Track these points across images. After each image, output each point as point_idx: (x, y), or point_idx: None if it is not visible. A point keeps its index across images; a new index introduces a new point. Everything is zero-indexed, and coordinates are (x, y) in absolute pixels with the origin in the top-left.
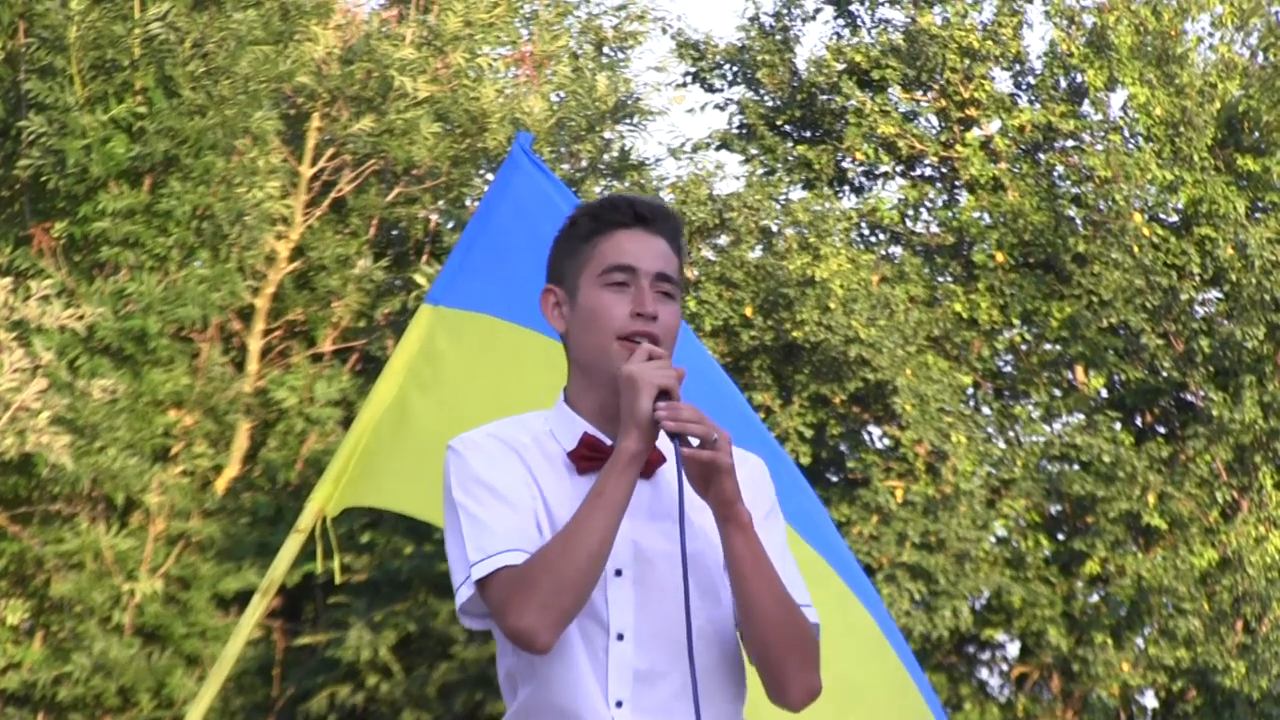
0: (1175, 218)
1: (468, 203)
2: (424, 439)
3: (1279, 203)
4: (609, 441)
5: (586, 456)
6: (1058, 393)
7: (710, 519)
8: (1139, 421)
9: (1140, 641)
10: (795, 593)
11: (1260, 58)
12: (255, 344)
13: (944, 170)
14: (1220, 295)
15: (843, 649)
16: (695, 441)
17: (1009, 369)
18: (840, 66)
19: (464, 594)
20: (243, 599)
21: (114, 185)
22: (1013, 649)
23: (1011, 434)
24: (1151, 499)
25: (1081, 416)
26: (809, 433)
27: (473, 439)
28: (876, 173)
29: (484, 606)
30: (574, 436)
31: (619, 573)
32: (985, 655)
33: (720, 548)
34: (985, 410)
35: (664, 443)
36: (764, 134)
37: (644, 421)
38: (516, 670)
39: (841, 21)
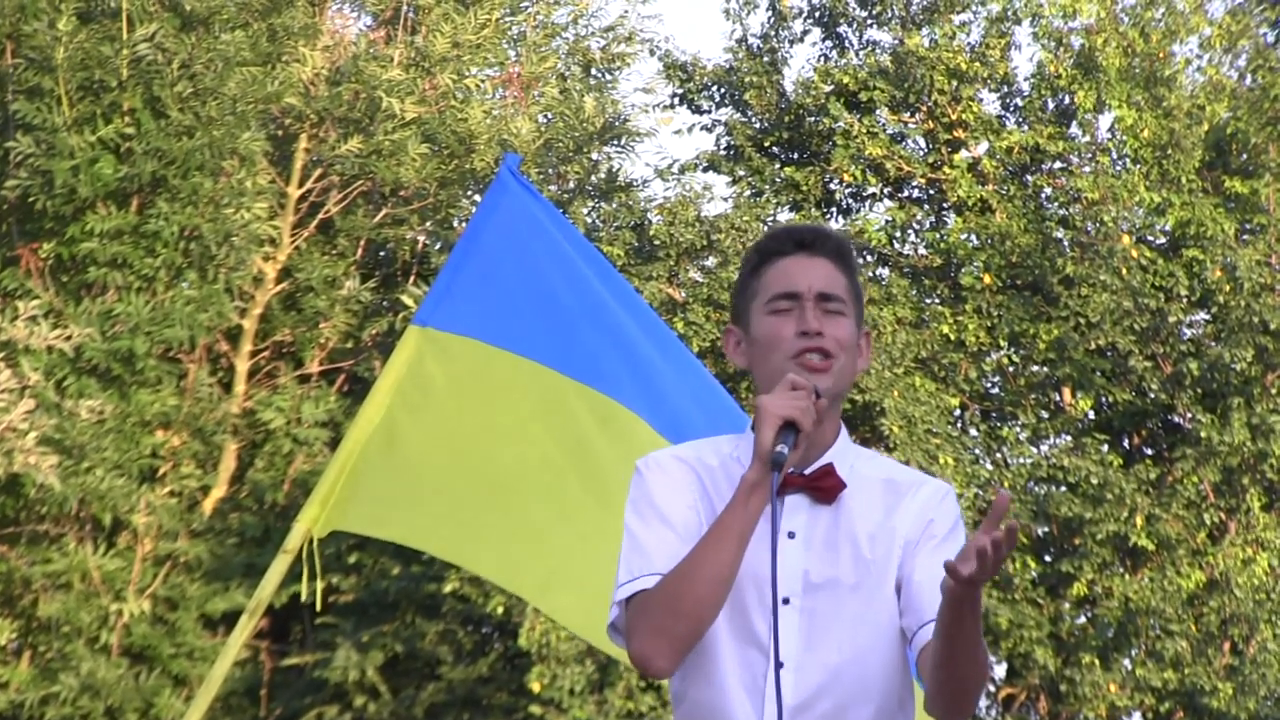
0: (1163, 240)
1: (455, 224)
2: (412, 464)
3: (1267, 225)
4: (791, 469)
5: None
6: (1045, 414)
7: (885, 546)
8: (1127, 443)
9: (1128, 663)
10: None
11: (1248, 80)
12: (242, 365)
13: (932, 192)
14: (1208, 317)
15: None
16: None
17: (996, 391)
18: (828, 88)
19: (612, 613)
20: (230, 619)
21: (102, 206)
22: (1000, 670)
23: (999, 455)
24: (1139, 521)
25: (1069, 438)
26: None
27: (657, 459)
28: (864, 194)
29: None
30: None
31: (786, 601)
32: None
33: (889, 575)
34: (973, 432)
35: (851, 472)
36: (751, 155)
37: (765, 452)
38: (675, 692)
39: (829, 43)
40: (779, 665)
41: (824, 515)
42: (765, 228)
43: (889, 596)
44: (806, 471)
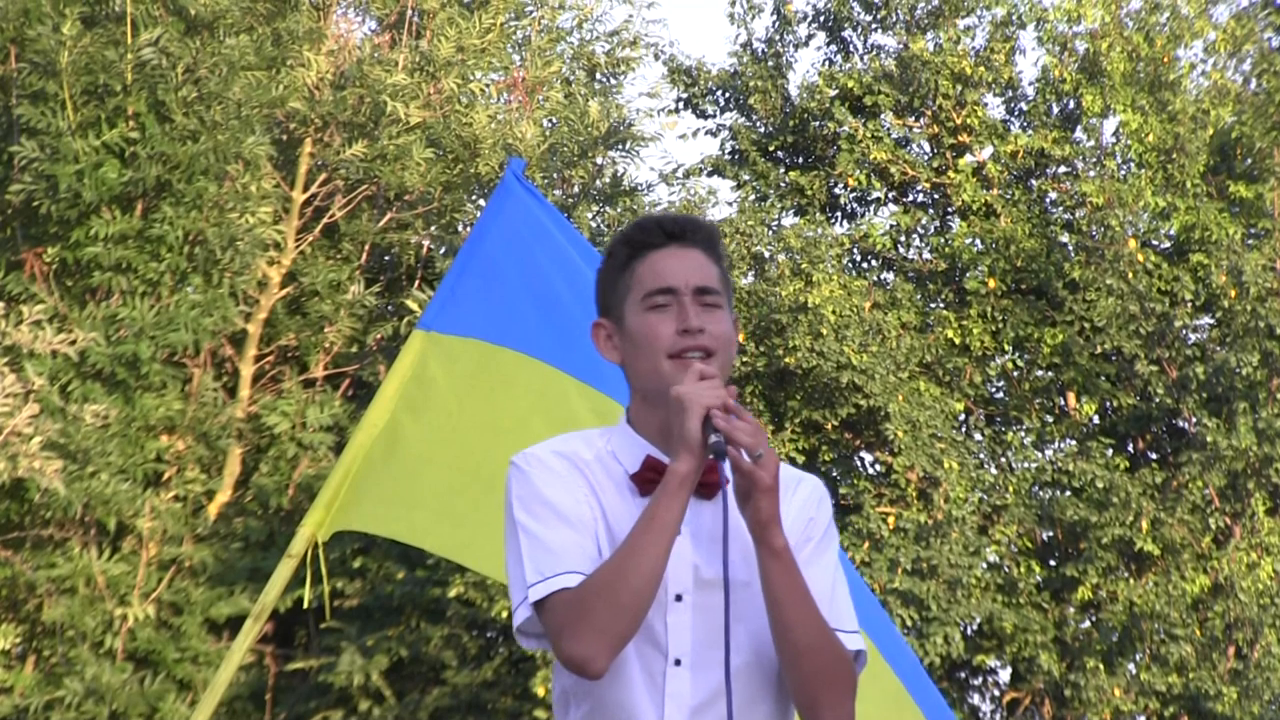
0: (1168, 244)
1: (460, 228)
2: (416, 464)
3: (1272, 229)
4: (670, 461)
5: (649, 479)
6: (1050, 419)
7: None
8: (1131, 448)
9: (1132, 667)
10: (840, 619)
11: (1253, 84)
12: (247, 369)
13: (936, 196)
14: (1214, 322)
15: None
16: (744, 455)
17: (1001, 395)
18: (833, 92)
19: (521, 615)
20: (235, 624)
21: (106, 210)
22: (1005, 675)
23: (1003, 460)
24: (1144, 525)
25: (1074, 443)
26: (801, 459)
27: (537, 455)
28: (869, 199)
29: (540, 627)
30: (636, 458)
31: (679, 598)
32: (977, 681)
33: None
34: (977, 436)
35: (729, 469)
36: (756, 160)
37: (694, 443)
38: (572, 690)
39: (834, 48)
40: (678, 663)
41: (706, 511)
42: (770, 232)
43: None
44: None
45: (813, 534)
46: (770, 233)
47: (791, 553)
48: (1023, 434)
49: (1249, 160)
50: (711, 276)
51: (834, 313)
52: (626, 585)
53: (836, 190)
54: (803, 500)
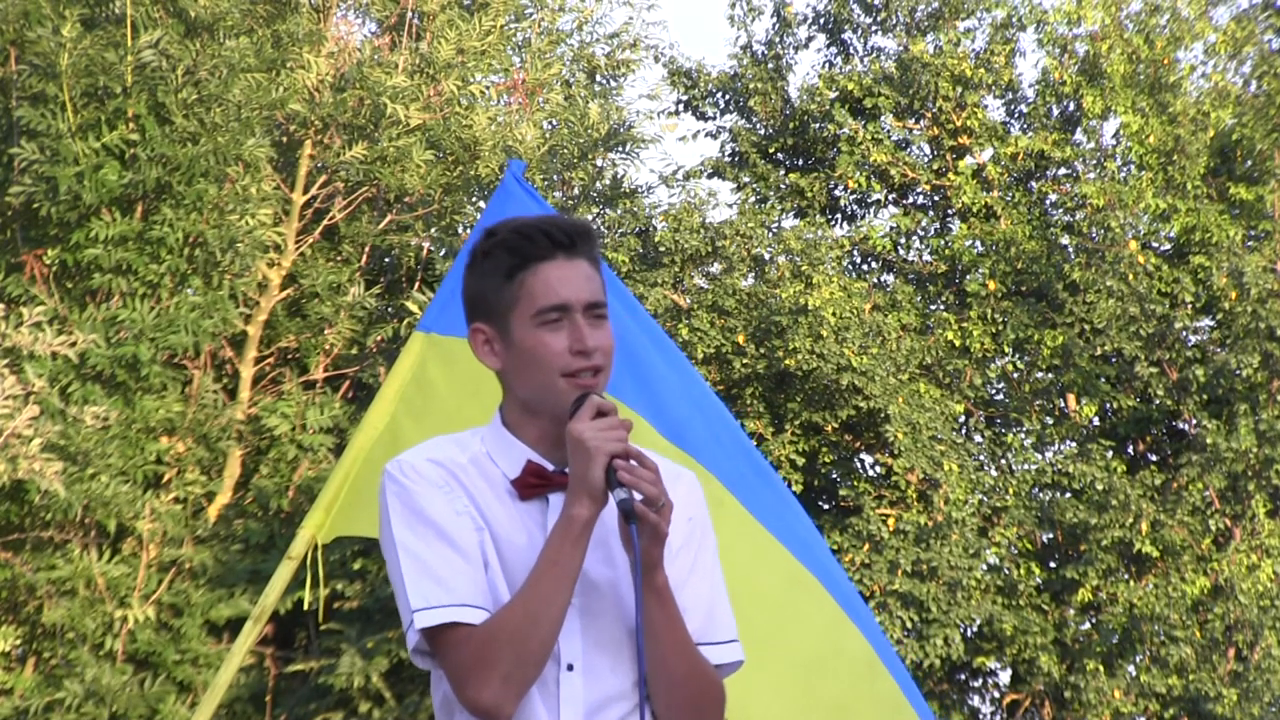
0: (1169, 246)
1: (460, 230)
2: None
3: (1273, 231)
4: (551, 467)
5: (531, 484)
6: (1050, 421)
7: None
8: (1131, 450)
9: (1132, 669)
10: (718, 629)
11: (1253, 86)
12: (247, 371)
13: (936, 198)
14: (1214, 324)
15: (834, 671)
16: (639, 496)
17: (1001, 397)
18: (832, 95)
19: (411, 638)
20: (235, 626)
21: (106, 212)
22: (1005, 677)
23: (1003, 462)
24: (1144, 527)
25: (1074, 445)
26: (801, 461)
27: (413, 464)
28: (869, 201)
29: (430, 648)
30: (515, 462)
31: (638, 608)
32: (977, 683)
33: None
34: (977, 438)
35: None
36: (756, 162)
37: (596, 490)
38: (455, 698)
39: (834, 50)
40: (570, 668)
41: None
42: (770, 234)
43: None
44: (569, 469)
45: (693, 536)
46: (770, 235)
47: (670, 590)
48: (1023, 436)
49: (1249, 162)
50: (599, 287)
51: (834, 315)
52: (535, 634)
53: (836, 192)
54: (683, 499)
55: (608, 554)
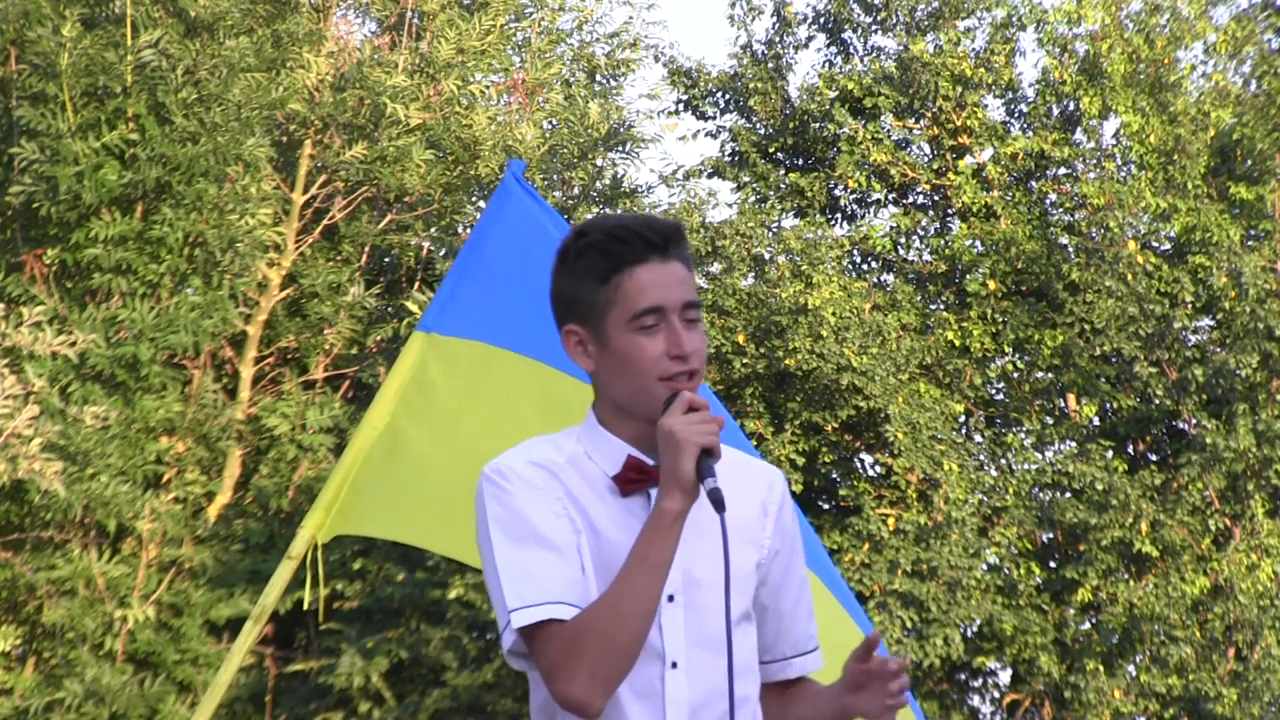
0: (1168, 246)
1: (460, 230)
2: (416, 466)
3: (1272, 230)
4: (652, 462)
5: (632, 479)
6: (1050, 421)
7: (748, 543)
8: (1131, 449)
9: (1132, 669)
10: (808, 638)
11: (1253, 86)
12: (247, 371)
13: (936, 198)
14: (1213, 323)
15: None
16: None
17: (1001, 397)
18: (833, 94)
19: (507, 639)
20: (235, 626)
21: (106, 212)
22: (1004, 676)
23: (1003, 462)
24: (1144, 527)
25: (1074, 444)
26: (801, 460)
27: (511, 466)
28: (869, 200)
29: (527, 649)
30: (615, 459)
31: (671, 598)
32: (977, 683)
33: (753, 576)
34: (977, 438)
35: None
36: (756, 161)
37: (686, 483)
38: (554, 700)
39: (834, 49)
40: (675, 665)
41: (695, 508)
42: (770, 234)
43: (753, 592)
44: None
45: (794, 536)
46: (770, 234)
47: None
48: (1023, 436)
49: (1249, 162)
50: (692, 288)
51: (834, 314)
52: (623, 628)
53: (836, 192)
54: (779, 499)
55: (707, 550)
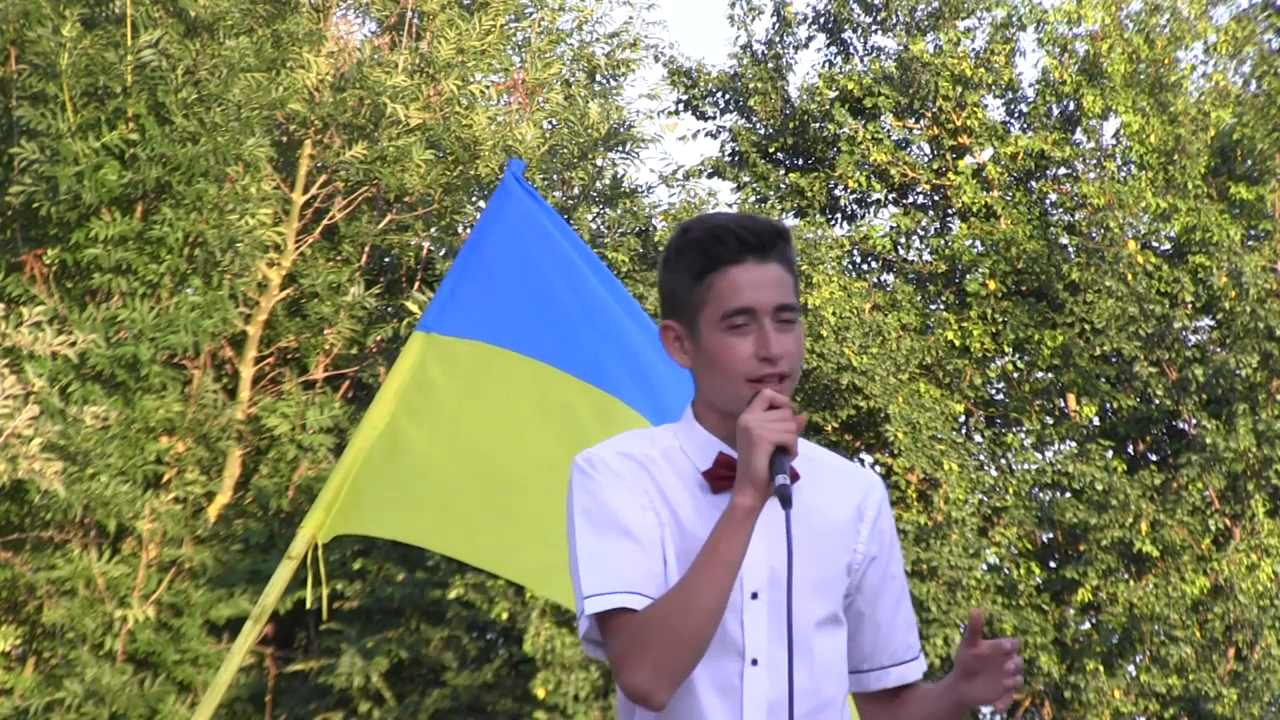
0: (1168, 246)
1: (460, 230)
2: (416, 466)
3: (1273, 230)
4: None
5: (722, 476)
6: (1050, 421)
7: (837, 546)
8: (1131, 449)
9: (1132, 669)
10: (908, 647)
11: (1254, 86)
12: (247, 371)
13: (936, 198)
14: (1214, 323)
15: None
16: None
17: (1001, 397)
18: (833, 94)
19: (582, 625)
20: (235, 626)
21: (106, 212)
22: None
23: (1003, 462)
24: (1144, 527)
25: (1074, 444)
26: None
27: (602, 457)
28: (869, 200)
29: (602, 636)
30: (708, 455)
31: (755, 596)
32: None
33: (845, 575)
34: (977, 438)
35: (799, 462)
36: (756, 161)
37: (759, 479)
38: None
39: (834, 49)
40: (755, 663)
41: (776, 508)
42: None
43: (841, 596)
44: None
45: (890, 544)
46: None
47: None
48: (1023, 436)
49: (1250, 162)
50: (789, 290)
51: (834, 314)
52: (688, 622)
53: (836, 192)
54: (876, 505)
55: (804, 549)
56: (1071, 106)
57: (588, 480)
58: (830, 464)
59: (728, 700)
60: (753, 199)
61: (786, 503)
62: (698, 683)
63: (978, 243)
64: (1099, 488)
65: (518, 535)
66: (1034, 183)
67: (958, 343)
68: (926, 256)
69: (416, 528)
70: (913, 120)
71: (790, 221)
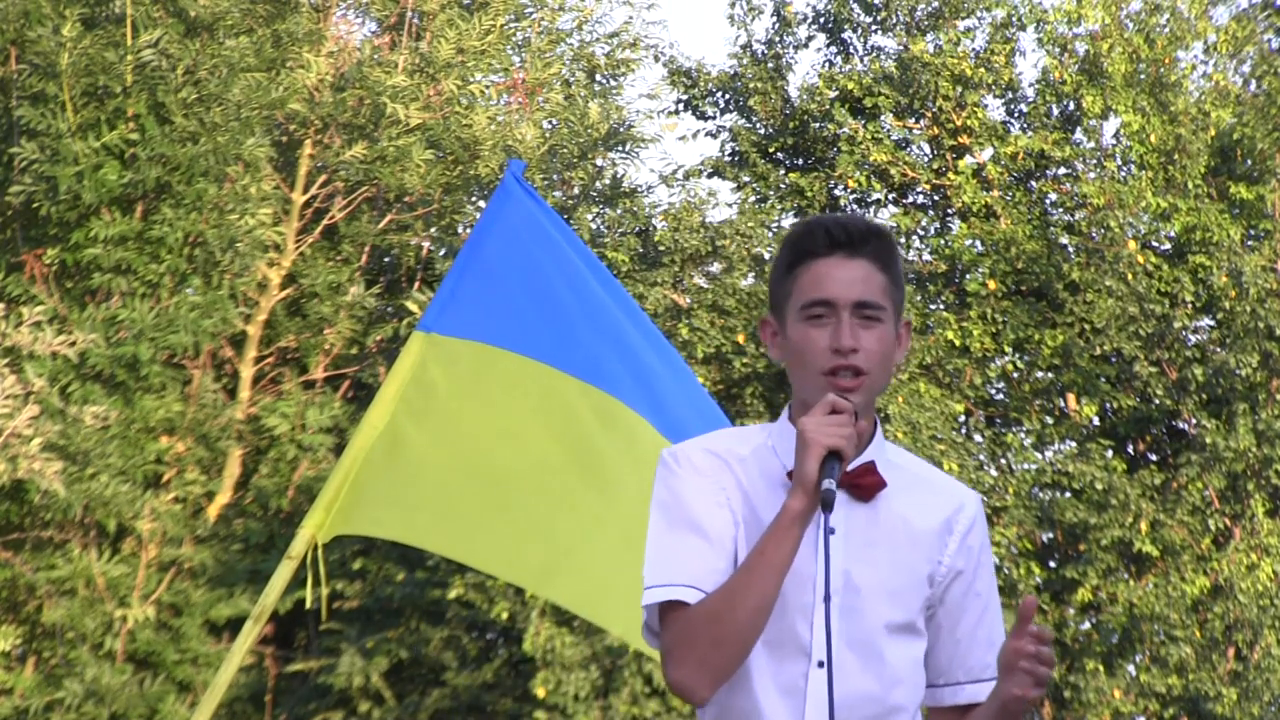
0: (1168, 245)
1: (460, 230)
2: (416, 466)
3: (1273, 230)
4: None
5: None
6: (1050, 420)
7: (920, 555)
8: (1131, 449)
9: (1132, 669)
10: (984, 667)
11: (1254, 85)
12: (247, 371)
13: (936, 198)
14: (1214, 323)
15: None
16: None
17: (1001, 397)
18: (832, 94)
19: (646, 615)
20: (235, 626)
21: (106, 212)
22: None
23: (1003, 462)
24: (1144, 526)
25: (1074, 444)
26: None
27: (686, 452)
28: (868, 200)
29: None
30: (793, 454)
31: (827, 598)
32: None
33: (924, 586)
34: (977, 438)
35: (888, 470)
36: (756, 161)
37: (809, 482)
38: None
39: (834, 49)
40: (820, 665)
41: (861, 513)
42: (770, 234)
43: (920, 606)
44: (849, 468)
45: (983, 563)
46: (770, 234)
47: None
48: (1023, 435)
49: (1249, 161)
50: (875, 289)
51: None
52: (731, 620)
53: (836, 192)
54: (968, 521)
55: (872, 556)
56: (1071, 106)
57: (669, 474)
58: (924, 475)
59: (791, 701)
60: (753, 199)
61: (827, 507)
62: (763, 682)
63: (978, 243)
64: (1099, 487)
65: (518, 536)
66: (1034, 183)
67: (958, 342)
68: (926, 256)
69: (416, 528)
70: (913, 120)
71: (790, 221)
